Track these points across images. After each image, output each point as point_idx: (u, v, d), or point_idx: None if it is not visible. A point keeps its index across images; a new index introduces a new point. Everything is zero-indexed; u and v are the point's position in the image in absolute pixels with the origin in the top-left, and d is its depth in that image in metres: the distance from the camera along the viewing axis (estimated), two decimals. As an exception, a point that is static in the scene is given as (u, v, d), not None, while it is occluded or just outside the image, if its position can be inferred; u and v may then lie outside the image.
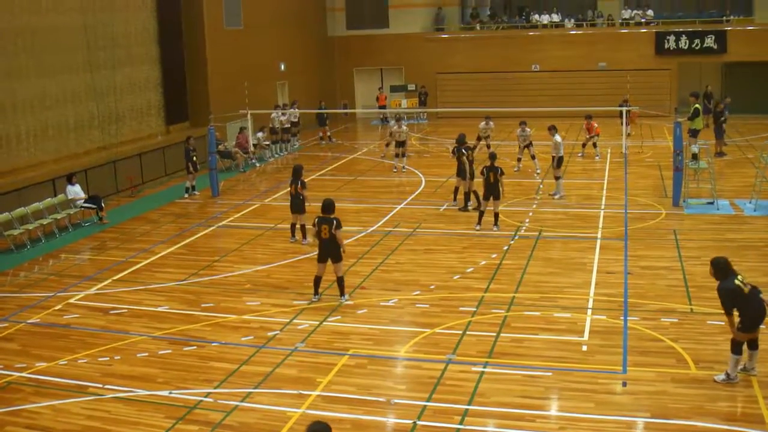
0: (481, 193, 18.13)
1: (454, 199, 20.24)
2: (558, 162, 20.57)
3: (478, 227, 17.76)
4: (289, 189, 17.35)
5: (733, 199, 19.67)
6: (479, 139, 26.36)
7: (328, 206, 13.26)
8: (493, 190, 17.57)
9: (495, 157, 17.98)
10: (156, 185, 24.62)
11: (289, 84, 35.53)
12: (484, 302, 13.24)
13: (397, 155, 25.29)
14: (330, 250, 13.23)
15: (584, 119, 26.56)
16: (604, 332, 11.83)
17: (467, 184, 19.42)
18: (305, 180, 17.29)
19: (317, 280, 13.57)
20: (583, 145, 26.85)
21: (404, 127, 25.44)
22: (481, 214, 17.91)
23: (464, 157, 19.44)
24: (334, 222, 13.11)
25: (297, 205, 17.04)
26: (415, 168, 25.61)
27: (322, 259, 13.36)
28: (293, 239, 17.33)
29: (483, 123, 26.54)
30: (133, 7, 25.33)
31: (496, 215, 17.83)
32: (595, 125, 26.45)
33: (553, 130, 21.08)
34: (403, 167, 25.06)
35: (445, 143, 30.22)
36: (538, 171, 23.82)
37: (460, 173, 19.66)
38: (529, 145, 24.01)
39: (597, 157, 26.22)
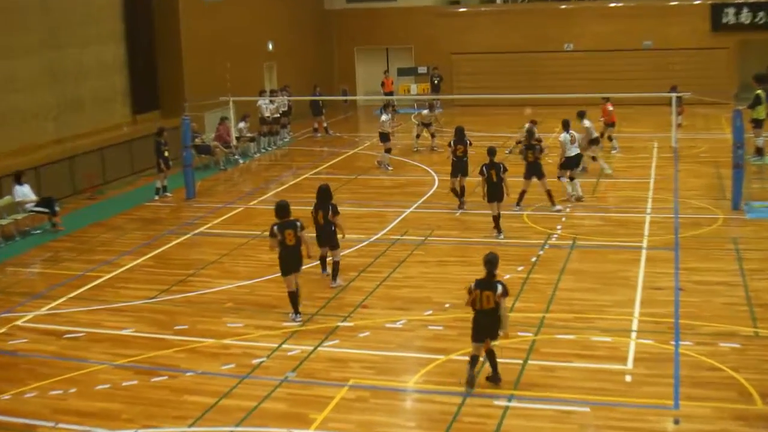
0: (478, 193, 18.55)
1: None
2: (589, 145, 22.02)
3: (500, 236, 17.78)
4: (313, 216, 15.12)
5: (805, 202, 19.62)
6: (519, 143, 26.71)
7: (283, 209, 13.81)
8: (497, 191, 17.73)
9: (495, 152, 18.14)
10: (121, 185, 24.65)
11: (278, 66, 35.55)
12: (509, 324, 13.15)
13: (417, 136, 28.19)
14: (297, 258, 13.70)
15: (602, 101, 26.75)
16: (651, 359, 11.77)
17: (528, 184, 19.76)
18: (336, 204, 15.35)
19: (293, 296, 13.72)
20: (601, 135, 26.60)
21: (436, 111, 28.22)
22: (497, 219, 17.96)
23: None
24: (298, 225, 13.65)
25: (327, 236, 15.13)
26: (427, 165, 25.57)
27: (288, 270, 13.69)
28: (325, 272, 15.65)
29: (528, 124, 26.71)
30: (94, -23, 25.44)
31: (497, 219, 17.92)
32: (610, 108, 26.35)
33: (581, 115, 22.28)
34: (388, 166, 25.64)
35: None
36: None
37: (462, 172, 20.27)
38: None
39: (614, 150, 26.19)
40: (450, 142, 20.56)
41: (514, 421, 10.26)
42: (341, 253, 15.55)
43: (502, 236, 17.80)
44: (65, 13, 24.00)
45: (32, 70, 22.83)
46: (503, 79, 37.49)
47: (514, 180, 21.54)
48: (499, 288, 10.90)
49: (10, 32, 21.95)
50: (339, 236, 15.17)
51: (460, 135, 20.34)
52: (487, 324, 10.92)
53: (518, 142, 27.15)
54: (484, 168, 17.87)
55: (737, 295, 14.13)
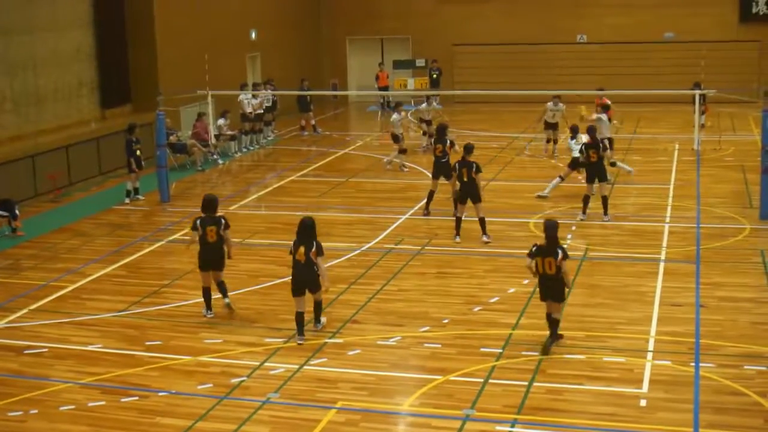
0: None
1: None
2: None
3: (485, 237, 18.23)
4: (293, 252, 13.58)
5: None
6: (548, 127, 26.81)
7: (209, 203, 14.50)
8: (468, 191, 18.03)
9: (471, 150, 18.39)
10: (88, 187, 24.66)
11: (262, 57, 35.60)
12: (513, 342, 13.26)
13: (424, 133, 28.19)
14: (216, 256, 14.36)
15: (596, 98, 26.85)
16: (668, 382, 11.83)
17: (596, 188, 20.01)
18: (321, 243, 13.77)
19: (205, 292, 14.52)
20: None
21: (434, 104, 28.35)
22: (458, 221, 18.38)
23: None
24: (222, 223, 14.35)
25: (309, 276, 13.54)
26: (424, 168, 25.63)
27: (204, 266, 14.41)
28: (301, 340, 13.52)
29: (551, 104, 26.59)
30: (58, -45, 25.47)
31: (483, 221, 18.14)
32: (608, 102, 26.32)
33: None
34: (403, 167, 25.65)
35: (463, 134, 30.26)
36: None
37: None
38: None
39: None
40: (430, 141, 20.88)
41: (518, 448, 10.36)
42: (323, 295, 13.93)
43: (487, 239, 18.19)
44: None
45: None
46: (509, 73, 37.59)
47: (530, 185, 21.69)
48: (560, 253, 12.46)
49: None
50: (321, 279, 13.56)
51: (440, 134, 20.70)
52: (551, 286, 12.63)
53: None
54: (456, 165, 18.29)
55: (765, 313, 14.21)
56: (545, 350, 12.62)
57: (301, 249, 13.35)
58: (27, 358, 13.26)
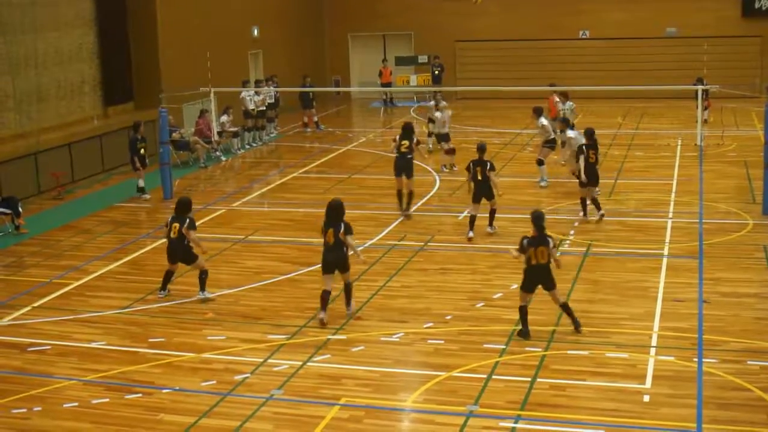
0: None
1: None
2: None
3: (491, 228, 18.47)
4: (323, 234, 14.14)
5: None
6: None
7: (180, 204, 15.37)
8: (482, 190, 18.15)
9: (484, 149, 18.46)
10: (91, 184, 24.69)
11: (264, 54, 35.59)
12: (516, 338, 13.27)
13: (430, 134, 27.16)
14: (179, 251, 15.22)
15: (550, 95, 26.55)
16: (672, 378, 11.83)
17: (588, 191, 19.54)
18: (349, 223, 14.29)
19: (167, 274, 15.53)
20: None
21: (443, 103, 27.09)
22: (473, 218, 18.41)
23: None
24: (187, 221, 15.11)
25: (338, 256, 14.07)
26: (429, 166, 25.62)
27: (170, 259, 15.40)
28: (323, 314, 14.05)
29: (559, 103, 26.41)
30: (60, -47, 25.48)
31: (493, 213, 18.39)
32: (557, 100, 26.04)
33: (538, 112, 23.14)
34: (453, 167, 24.90)
35: (465, 130, 30.27)
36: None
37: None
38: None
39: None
40: (395, 137, 20.63)
41: (522, 444, 10.36)
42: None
43: (491, 230, 18.41)
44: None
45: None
46: (511, 69, 37.63)
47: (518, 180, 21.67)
48: (551, 242, 13.06)
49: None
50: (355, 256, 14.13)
51: (408, 130, 20.30)
52: (541, 275, 13.13)
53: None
54: (471, 164, 18.31)
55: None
56: (577, 329, 13.26)
57: (330, 231, 13.92)
58: (30, 356, 13.27)
